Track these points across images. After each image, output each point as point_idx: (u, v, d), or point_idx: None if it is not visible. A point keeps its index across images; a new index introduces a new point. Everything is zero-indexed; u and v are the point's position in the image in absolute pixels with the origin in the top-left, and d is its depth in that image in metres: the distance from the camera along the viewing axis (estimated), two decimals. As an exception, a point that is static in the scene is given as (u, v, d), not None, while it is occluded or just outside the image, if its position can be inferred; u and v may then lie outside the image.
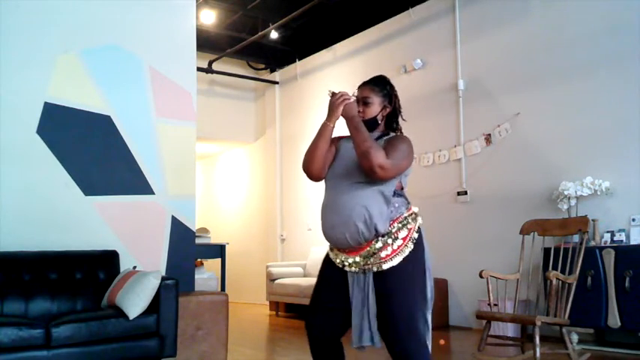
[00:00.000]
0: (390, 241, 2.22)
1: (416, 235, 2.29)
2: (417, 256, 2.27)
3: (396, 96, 2.43)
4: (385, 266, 2.22)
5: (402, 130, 2.48)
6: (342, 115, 2.30)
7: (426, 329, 2.27)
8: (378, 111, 2.38)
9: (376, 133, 2.38)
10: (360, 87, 2.43)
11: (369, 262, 2.24)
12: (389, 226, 2.23)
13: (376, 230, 2.20)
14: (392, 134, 2.42)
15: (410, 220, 2.29)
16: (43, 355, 3.06)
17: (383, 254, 2.22)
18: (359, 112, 2.34)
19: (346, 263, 2.29)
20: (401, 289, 2.22)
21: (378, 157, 2.17)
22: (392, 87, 2.44)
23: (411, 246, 2.25)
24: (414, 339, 2.21)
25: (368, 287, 2.24)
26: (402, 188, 2.35)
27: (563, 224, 3.95)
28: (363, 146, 2.19)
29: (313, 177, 2.39)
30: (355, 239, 2.21)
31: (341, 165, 2.36)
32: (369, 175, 2.21)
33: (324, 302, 2.37)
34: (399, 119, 2.45)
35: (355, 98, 2.35)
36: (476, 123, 5.93)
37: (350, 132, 2.29)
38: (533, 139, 5.42)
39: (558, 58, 5.28)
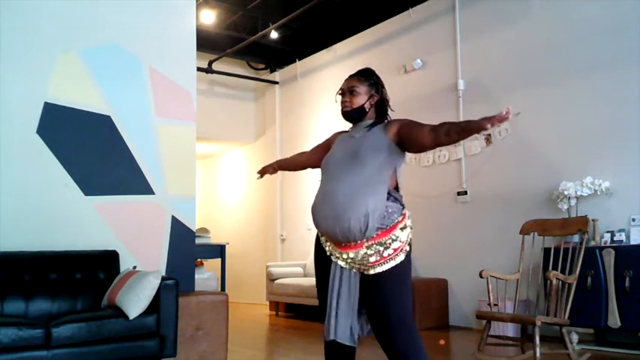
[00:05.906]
0: (381, 249, 2.21)
1: (408, 248, 2.28)
2: (405, 265, 2.27)
3: (382, 85, 2.47)
4: (372, 271, 2.22)
5: None
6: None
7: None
8: (365, 99, 2.41)
9: (368, 121, 2.42)
10: (347, 79, 2.47)
11: (356, 263, 2.24)
12: (380, 234, 2.21)
13: (366, 229, 2.17)
14: (386, 121, 2.43)
15: (402, 235, 2.25)
16: (43, 355, 3.07)
17: (372, 259, 2.21)
18: (346, 101, 2.41)
19: (335, 254, 2.30)
20: (392, 292, 2.22)
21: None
22: (378, 77, 2.48)
23: (402, 256, 2.25)
24: (411, 339, 2.22)
25: (353, 286, 2.25)
26: (397, 187, 2.32)
27: (563, 224, 3.95)
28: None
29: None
30: (345, 235, 2.20)
31: (337, 158, 2.37)
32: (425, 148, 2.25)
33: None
34: (389, 110, 2.48)
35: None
36: (476, 123, 5.92)
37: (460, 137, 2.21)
38: (533, 139, 5.42)
39: (558, 58, 5.27)
